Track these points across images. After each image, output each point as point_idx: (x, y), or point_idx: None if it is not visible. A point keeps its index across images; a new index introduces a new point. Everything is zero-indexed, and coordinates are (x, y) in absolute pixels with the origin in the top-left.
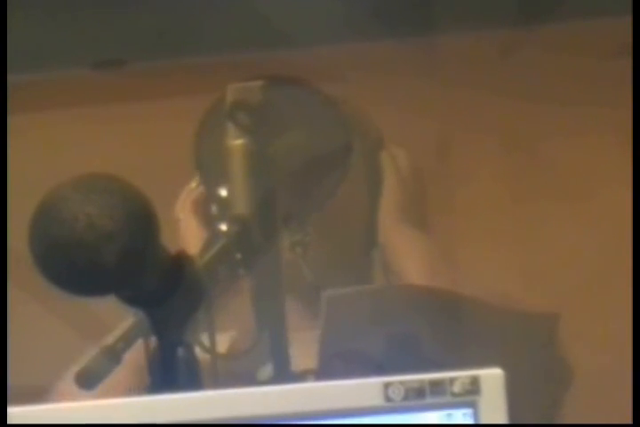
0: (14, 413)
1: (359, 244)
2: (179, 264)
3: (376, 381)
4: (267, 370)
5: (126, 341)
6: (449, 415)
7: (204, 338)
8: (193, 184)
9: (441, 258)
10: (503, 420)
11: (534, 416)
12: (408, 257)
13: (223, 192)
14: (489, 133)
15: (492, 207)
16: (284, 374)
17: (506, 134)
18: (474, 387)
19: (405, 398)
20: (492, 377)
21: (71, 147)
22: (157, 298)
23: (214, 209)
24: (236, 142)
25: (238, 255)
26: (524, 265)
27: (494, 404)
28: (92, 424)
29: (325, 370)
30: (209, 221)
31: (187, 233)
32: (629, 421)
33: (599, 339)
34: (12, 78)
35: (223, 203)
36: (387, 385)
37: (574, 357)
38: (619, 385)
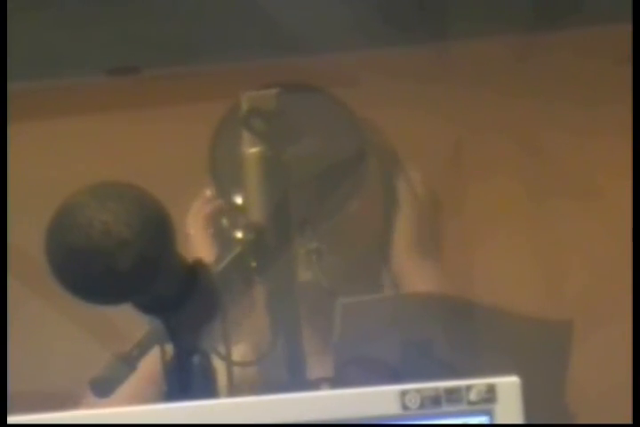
0: (17, 422)
1: (373, 253)
2: (194, 271)
3: (392, 389)
4: (282, 377)
5: (141, 348)
6: (465, 423)
7: (220, 345)
8: (203, 198)
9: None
10: None
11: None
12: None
13: (238, 200)
14: (504, 138)
15: (506, 210)
16: (299, 381)
17: (521, 138)
18: (490, 395)
19: (422, 406)
20: (508, 385)
21: (85, 153)
22: (173, 305)
23: (225, 222)
24: (251, 150)
25: (253, 262)
26: (538, 267)
27: (511, 411)
28: None
29: (340, 377)
30: (221, 235)
31: (198, 249)
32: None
33: (612, 344)
34: (26, 85)
35: (238, 210)
36: (403, 393)
37: (588, 363)
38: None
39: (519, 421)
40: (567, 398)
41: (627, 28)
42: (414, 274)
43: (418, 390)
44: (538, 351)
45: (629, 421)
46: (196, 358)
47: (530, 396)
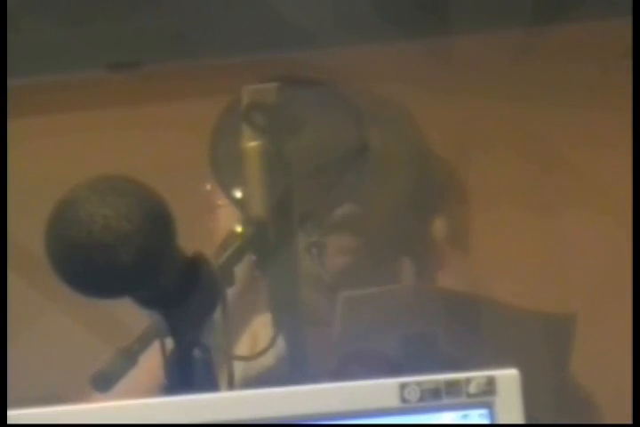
0: (20, 415)
1: (381, 246)
2: (195, 265)
3: (392, 381)
4: (283, 371)
5: (142, 342)
6: (465, 416)
7: (220, 339)
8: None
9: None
10: (519, 420)
11: (550, 416)
12: None
13: (239, 194)
14: (504, 133)
15: (509, 206)
16: (299, 374)
17: (521, 136)
18: (490, 387)
19: (421, 398)
20: (508, 377)
21: (85, 148)
22: (174, 299)
23: None
24: (252, 144)
25: (254, 256)
26: (541, 263)
27: (510, 404)
28: (102, 424)
29: (341, 371)
30: None
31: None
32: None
33: (616, 338)
34: (25, 80)
35: (239, 204)
36: (403, 386)
37: (590, 357)
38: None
39: (519, 413)
40: (567, 391)
41: (627, 22)
42: None
43: (417, 383)
44: (539, 344)
45: (629, 419)
46: (196, 352)
47: (530, 389)
